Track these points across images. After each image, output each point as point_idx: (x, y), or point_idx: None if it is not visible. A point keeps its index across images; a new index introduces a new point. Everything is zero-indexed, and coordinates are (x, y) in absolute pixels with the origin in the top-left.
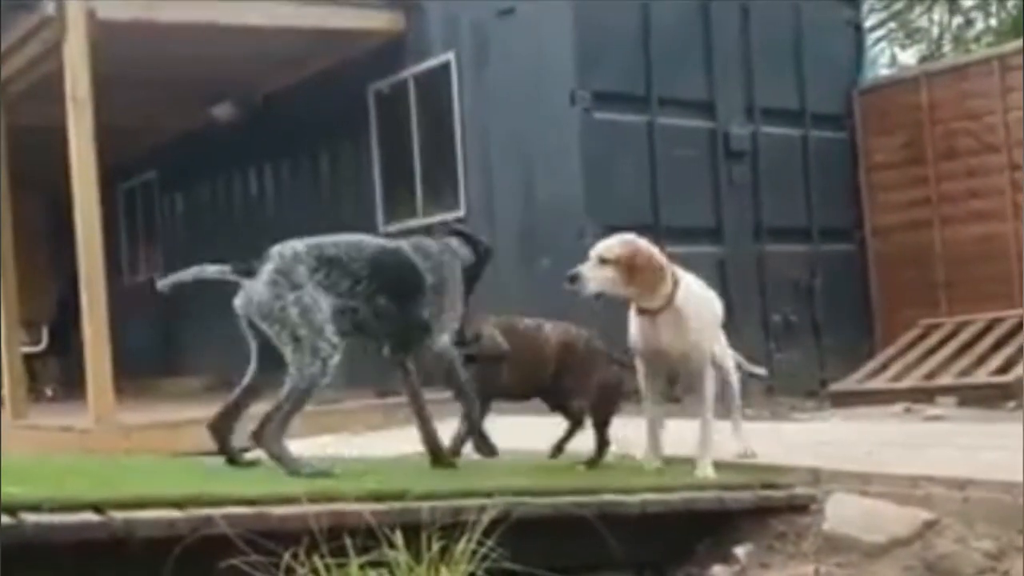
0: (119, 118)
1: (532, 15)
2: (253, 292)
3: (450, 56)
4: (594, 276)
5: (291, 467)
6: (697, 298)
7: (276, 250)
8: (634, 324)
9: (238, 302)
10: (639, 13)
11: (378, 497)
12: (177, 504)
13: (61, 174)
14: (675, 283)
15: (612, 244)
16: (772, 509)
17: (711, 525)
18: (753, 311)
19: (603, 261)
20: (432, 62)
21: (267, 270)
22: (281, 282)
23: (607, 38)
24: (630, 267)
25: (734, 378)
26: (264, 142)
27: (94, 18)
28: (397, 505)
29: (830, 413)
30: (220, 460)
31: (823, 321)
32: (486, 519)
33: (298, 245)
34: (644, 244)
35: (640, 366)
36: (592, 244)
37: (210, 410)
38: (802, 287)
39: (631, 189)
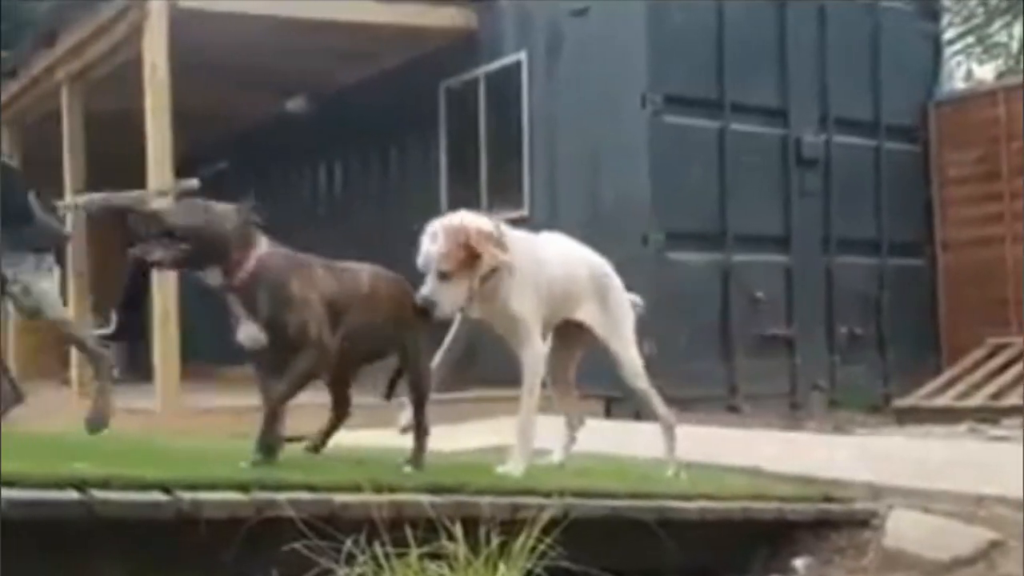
0: (195, 106)
1: (606, 16)
2: None
3: (522, 55)
4: (445, 294)
5: None
6: (524, 260)
7: None
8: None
9: None
10: (714, 17)
11: (437, 489)
12: (242, 487)
13: (137, 159)
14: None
15: (446, 252)
16: (832, 522)
17: (769, 536)
18: (818, 322)
19: (444, 276)
20: (504, 61)
21: None
22: None
23: (681, 41)
24: (473, 268)
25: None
26: (335, 135)
27: (175, 6)
28: (457, 498)
29: (893, 429)
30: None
31: (889, 335)
32: (546, 517)
33: None
34: (472, 228)
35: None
36: (657, 250)
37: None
38: (869, 300)
39: (699, 195)
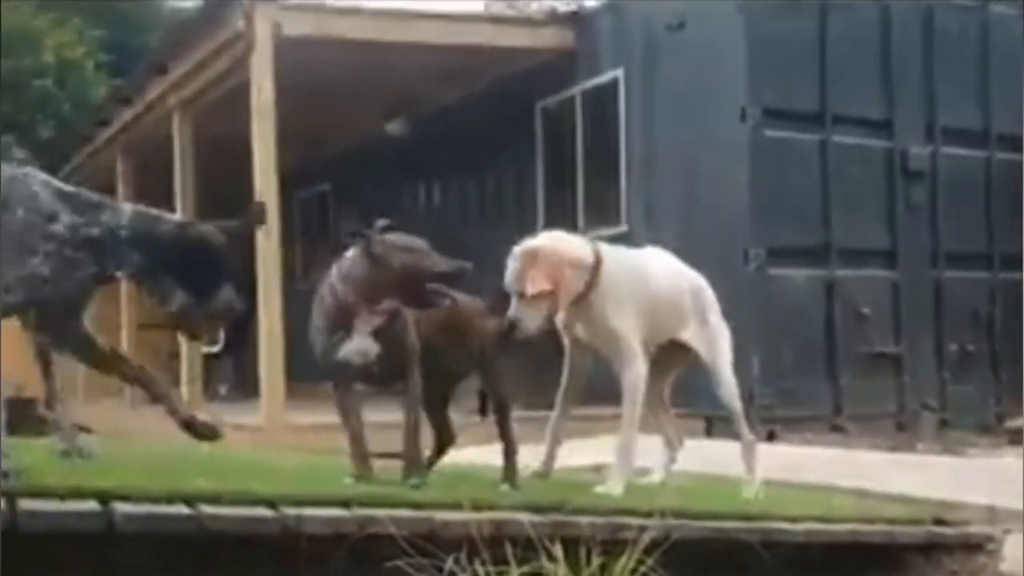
0: (298, 130)
1: (703, 30)
2: None
3: (618, 72)
4: (528, 314)
5: None
6: (625, 278)
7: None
8: None
9: None
10: (814, 27)
11: (537, 508)
12: (344, 503)
13: (244, 182)
14: (596, 271)
15: (534, 279)
16: (944, 546)
17: (878, 559)
18: (927, 339)
19: (527, 301)
20: (600, 78)
21: None
22: None
23: (780, 53)
24: (555, 296)
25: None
26: (433, 156)
27: (280, 33)
28: (557, 517)
29: (1006, 450)
30: (383, 463)
31: (1002, 352)
32: (647, 538)
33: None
34: (565, 256)
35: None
36: (758, 266)
37: (374, 414)
38: (981, 316)
39: (800, 209)
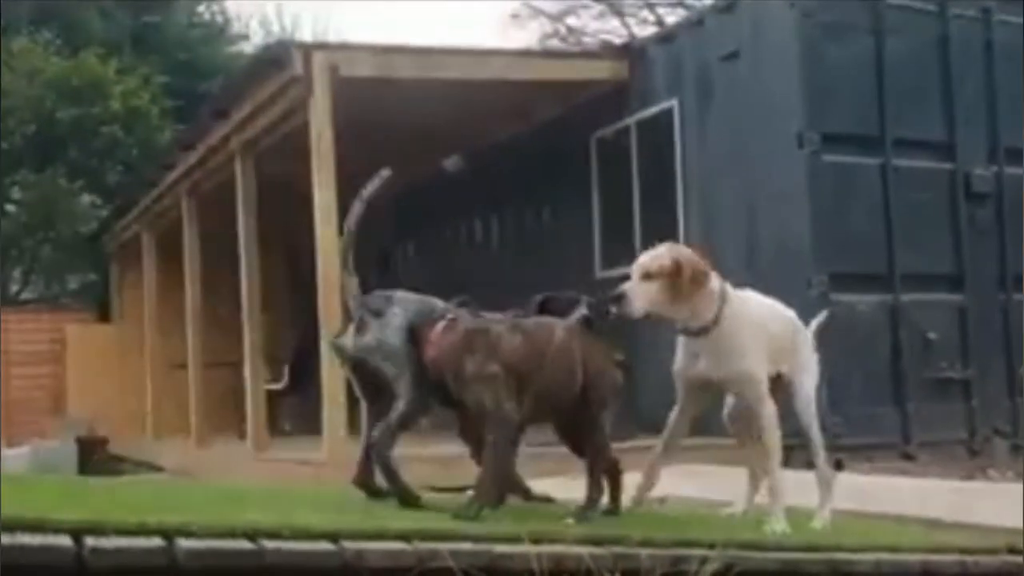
0: (357, 168)
1: (757, 57)
2: (383, 335)
3: (673, 102)
4: (641, 293)
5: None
6: (750, 317)
7: (400, 295)
8: (679, 347)
9: (353, 341)
10: (872, 49)
11: (596, 541)
12: (405, 537)
13: (300, 224)
14: (723, 300)
15: (657, 255)
16: None
17: None
18: (997, 363)
19: (647, 276)
20: (655, 108)
21: (397, 313)
22: (406, 328)
23: (837, 77)
24: (675, 281)
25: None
26: (490, 190)
27: (337, 75)
28: (616, 550)
29: None
30: (439, 496)
31: None
32: (708, 570)
33: (413, 297)
34: (689, 254)
35: (679, 393)
36: (820, 292)
37: (431, 448)
38: None
39: (863, 235)
